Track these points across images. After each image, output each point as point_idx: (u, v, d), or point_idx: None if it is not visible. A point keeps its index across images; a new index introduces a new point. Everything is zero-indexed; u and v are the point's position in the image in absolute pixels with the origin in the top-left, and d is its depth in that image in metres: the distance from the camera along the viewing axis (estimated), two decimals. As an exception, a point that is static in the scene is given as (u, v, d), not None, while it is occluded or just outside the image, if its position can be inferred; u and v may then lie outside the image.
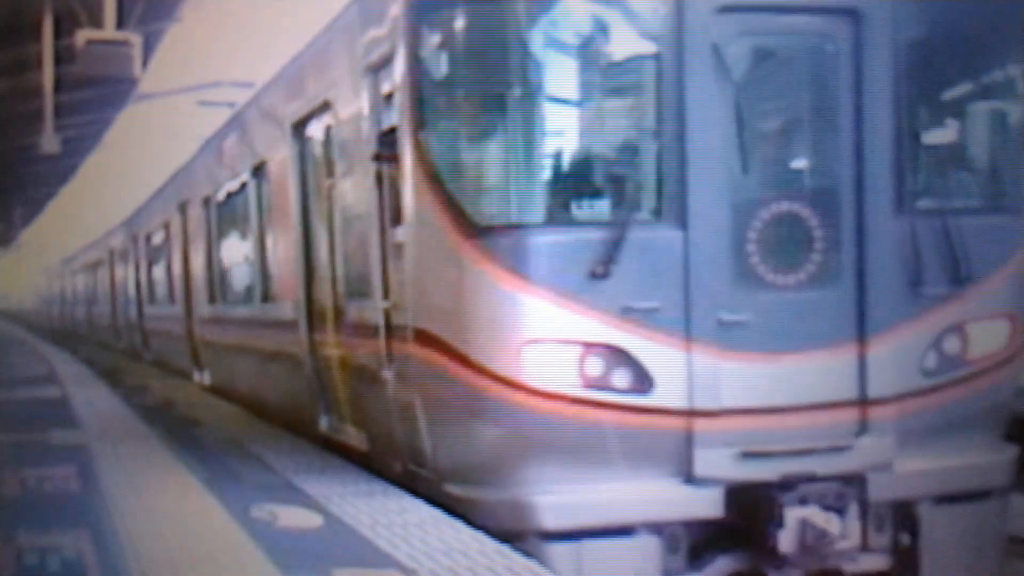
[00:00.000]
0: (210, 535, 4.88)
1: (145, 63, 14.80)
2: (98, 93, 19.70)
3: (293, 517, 5.28)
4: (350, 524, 5.14)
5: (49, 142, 14.70)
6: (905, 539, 5.41)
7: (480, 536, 4.99)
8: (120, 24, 12.66)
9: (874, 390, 5.26)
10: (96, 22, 12.26)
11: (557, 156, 5.34)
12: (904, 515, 5.40)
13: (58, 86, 14.52)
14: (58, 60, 14.03)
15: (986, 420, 5.63)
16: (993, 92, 5.91)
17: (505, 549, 4.78)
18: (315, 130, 7.56)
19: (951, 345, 5.46)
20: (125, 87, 19.33)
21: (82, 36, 11.66)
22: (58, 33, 13.74)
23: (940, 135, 5.82)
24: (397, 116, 5.62)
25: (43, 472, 6.54)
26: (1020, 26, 5.61)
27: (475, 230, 5.12)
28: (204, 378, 12.35)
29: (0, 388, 12.47)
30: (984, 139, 5.89)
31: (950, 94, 5.83)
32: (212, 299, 11.64)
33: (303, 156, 7.87)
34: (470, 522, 5.13)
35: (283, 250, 8.49)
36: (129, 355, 18.84)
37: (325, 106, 7.16)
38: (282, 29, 28.59)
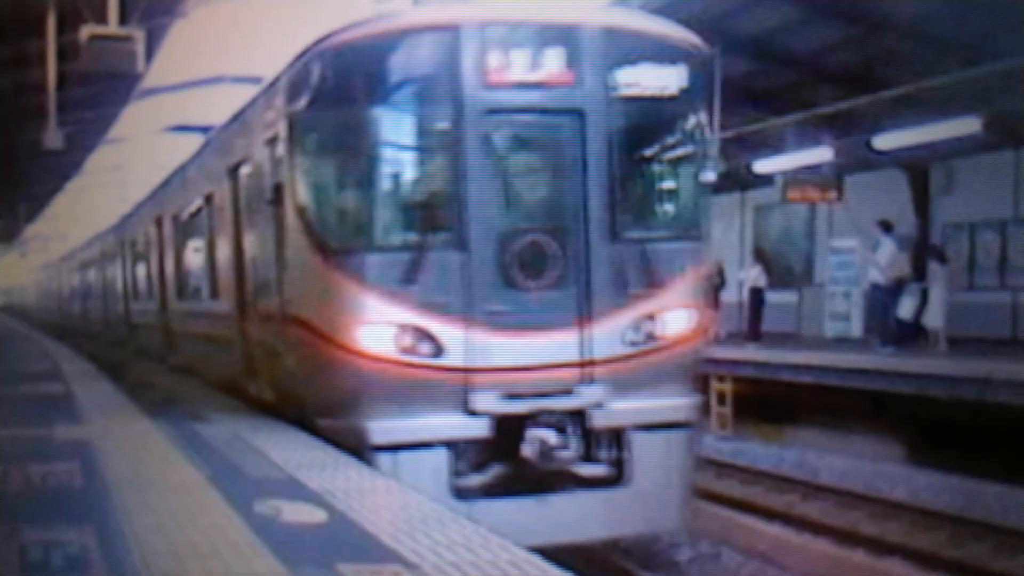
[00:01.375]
0: (214, 530, 4.88)
1: (148, 59, 14.79)
2: (102, 89, 19.72)
3: (297, 512, 5.28)
4: (354, 519, 5.14)
5: (52, 138, 14.70)
6: (617, 453, 7.96)
7: (483, 531, 5.01)
8: (123, 20, 12.66)
9: (592, 355, 7.75)
10: (99, 18, 12.25)
11: (383, 204, 8.04)
12: (616, 437, 7.95)
13: (61, 82, 14.52)
14: (61, 56, 14.03)
15: (675, 376, 8.14)
16: (674, 159, 8.66)
17: (508, 544, 4.79)
18: (242, 174, 9.99)
19: (647, 327, 7.96)
20: (128, 82, 19.35)
21: (85, 32, 11.67)
22: (61, 29, 13.74)
23: (639, 190, 8.46)
24: (281, 176, 8.27)
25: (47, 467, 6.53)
26: (691, 112, 8.36)
27: (329, 252, 7.73)
28: (174, 359, 14.81)
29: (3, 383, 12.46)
30: (669, 192, 8.70)
31: (645, 161, 8.56)
32: (179, 297, 14.43)
33: (235, 192, 10.29)
34: (330, 442, 7.47)
35: (223, 259, 11.01)
36: (117, 344, 21.20)
37: (246, 159, 9.70)
38: (284, 26, 28.52)
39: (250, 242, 9.72)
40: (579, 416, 7.75)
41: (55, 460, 6.80)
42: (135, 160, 44.59)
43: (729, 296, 22.80)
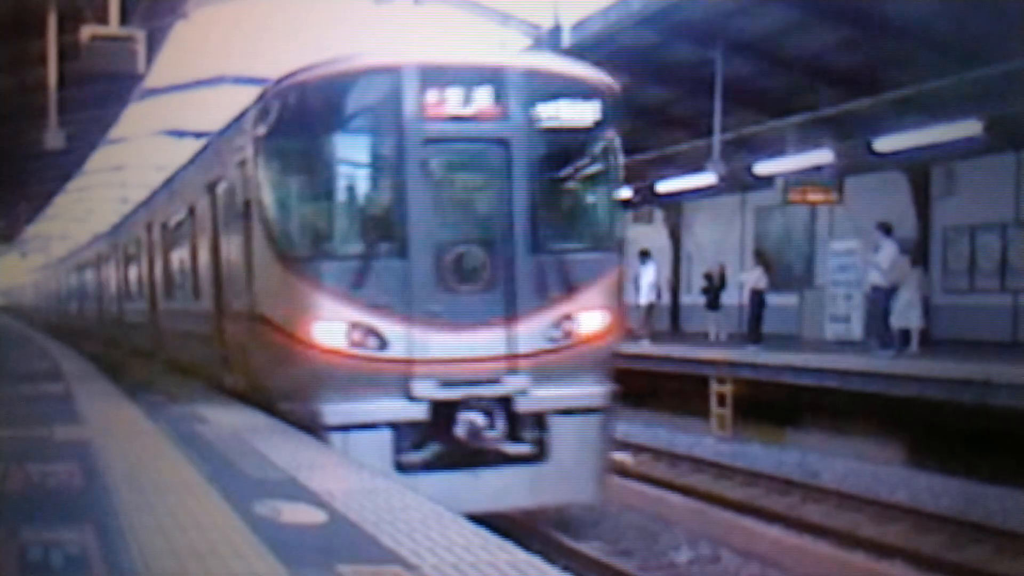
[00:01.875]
0: (214, 531, 4.88)
1: (150, 59, 14.81)
2: (103, 89, 19.73)
3: (297, 513, 5.28)
4: (354, 520, 5.15)
5: (53, 138, 14.72)
6: (539, 434, 9.04)
7: (482, 532, 5.03)
8: (124, 20, 12.67)
9: (517, 349, 8.90)
10: (101, 18, 12.26)
11: (336, 219, 9.32)
12: (538, 420, 9.02)
13: (62, 82, 14.54)
14: (62, 56, 14.04)
15: (590, 369, 9.25)
16: (588, 181, 9.79)
17: (508, 545, 4.80)
18: (219, 191, 11.15)
19: (565, 326, 9.09)
20: (129, 83, 19.36)
21: (86, 32, 11.67)
22: (63, 29, 13.75)
23: (558, 207, 9.55)
24: (250, 194, 9.47)
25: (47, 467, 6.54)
26: (604, 141, 9.47)
27: (290, 260, 8.92)
28: (163, 355, 15.86)
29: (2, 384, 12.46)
30: (585, 209, 9.93)
31: (563, 183, 9.69)
32: (167, 297, 15.56)
33: (213, 205, 11.41)
34: (289, 423, 8.50)
35: (203, 264, 12.14)
36: (112, 342, 22.19)
37: (222, 177, 10.95)
38: (285, 27, 28.52)
39: (225, 250, 10.91)
40: (505, 402, 8.92)
41: (55, 460, 6.80)
42: (136, 160, 44.65)
43: (730, 298, 22.85)
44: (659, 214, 29.43)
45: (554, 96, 9.20)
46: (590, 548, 9.90)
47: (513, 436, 8.96)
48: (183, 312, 14.02)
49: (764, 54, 18.70)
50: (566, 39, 19.17)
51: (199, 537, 4.75)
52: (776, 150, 20.44)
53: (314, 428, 8.33)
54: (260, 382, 9.75)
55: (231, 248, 10.52)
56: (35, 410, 9.71)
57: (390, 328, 8.60)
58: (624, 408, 20.04)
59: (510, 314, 8.87)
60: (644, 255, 22.72)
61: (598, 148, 9.54)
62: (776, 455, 15.50)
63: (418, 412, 8.66)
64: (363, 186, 9.48)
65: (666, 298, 27.84)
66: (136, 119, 31.62)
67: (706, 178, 20.81)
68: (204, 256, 12.08)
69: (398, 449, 8.64)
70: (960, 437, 13.62)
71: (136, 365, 15.81)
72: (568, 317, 9.10)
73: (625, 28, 18.00)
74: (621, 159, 9.75)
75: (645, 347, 20.13)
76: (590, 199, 9.96)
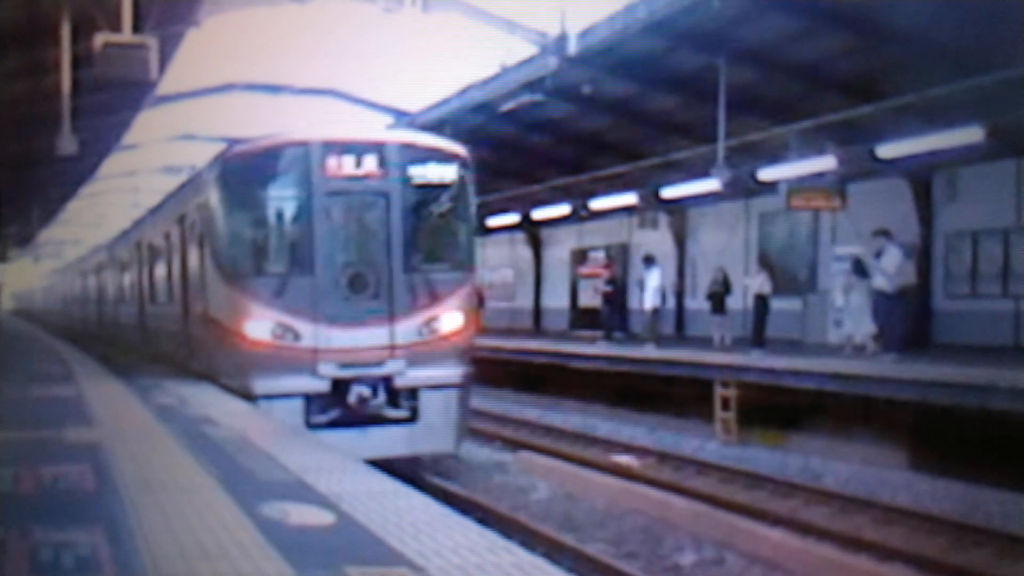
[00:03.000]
0: (223, 532, 4.93)
1: (162, 66, 14.91)
2: (115, 96, 19.83)
3: (305, 515, 5.34)
4: (361, 522, 5.20)
5: (66, 144, 14.82)
6: (413, 403, 12.21)
7: (488, 534, 5.07)
8: (137, 28, 12.77)
9: (395, 342, 11.98)
10: (114, 26, 12.36)
11: (264, 248, 12.31)
12: (412, 393, 12.15)
13: (76, 89, 14.65)
14: (76, 63, 14.15)
15: (450, 356, 12.37)
16: (447, 221, 12.83)
17: (512, 546, 4.86)
18: (185, 223, 14.49)
19: (431, 325, 12.20)
20: (142, 90, 19.46)
21: (99, 39, 11.78)
22: (76, 36, 13.85)
23: (425, 240, 12.54)
24: (203, 228, 12.89)
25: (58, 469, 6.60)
26: (458, 193, 12.64)
27: (231, 277, 12.05)
28: (149, 348, 18.79)
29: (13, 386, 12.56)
30: (445, 241, 12.88)
31: (428, 222, 12.71)
32: (151, 301, 18.71)
33: (182, 233, 14.77)
34: (231, 393, 11.55)
35: (175, 277, 15.56)
36: (108, 340, 25.16)
37: (187, 214, 14.32)
38: (296, 35, 28.63)
39: (189, 267, 14.27)
40: (387, 379, 12.08)
41: (66, 462, 6.87)
42: (148, 166, 44.73)
43: (734, 303, 22.87)
44: (664, 219, 29.45)
45: (420, 161, 12.52)
46: (595, 550, 9.97)
47: (393, 404, 12.21)
48: (162, 314, 17.19)
49: (767, 61, 18.75)
50: (572, 46, 19.26)
51: (208, 538, 4.80)
52: (779, 156, 20.48)
53: (249, 397, 11.44)
54: (213, 365, 13.02)
55: (193, 266, 13.95)
56: (47, 412, 9.81)
57: (302, 326, 11.73)
58: (630, 411, 20.21)
59: (390, 316, 12.09)
60: (648, 260, 22.75)
61: (453, 198, 12.76)
62: (780, 458, 15.55)
63: (322, 386, 11.81)
64: (283, 225, 12.52)
65: (671, 303, 27.87)
66: (148, 125, 31.75)
67: (710, 184, 20.85)
68: (175, 272, 15.49)
69: (308, 412, 11.77)
70: (963, 441, 13.66)
71: (127, 356, 18.92)
72: (433, 319, 12.34)
73: (631, 35, 18.07)
74: (473, 204, 13.14)
75: (650, 352, 20.17)
76: (448, 234, 13.03)
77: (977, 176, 20.36)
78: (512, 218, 34.26)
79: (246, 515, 5.28)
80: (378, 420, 12.00)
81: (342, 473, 6.66)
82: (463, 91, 25.36)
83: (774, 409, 16.91)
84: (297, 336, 11.67)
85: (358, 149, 12.17)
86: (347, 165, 12.06)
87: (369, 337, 11.93)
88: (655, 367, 19.24)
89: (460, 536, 4.98)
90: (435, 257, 12.64)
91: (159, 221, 17.91)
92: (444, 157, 12.73)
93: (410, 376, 12.10)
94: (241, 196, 12.18)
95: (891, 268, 16.49)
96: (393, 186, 12.19)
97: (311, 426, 11.49)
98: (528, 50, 21.18)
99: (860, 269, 18.61)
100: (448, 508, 5.74)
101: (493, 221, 35.36)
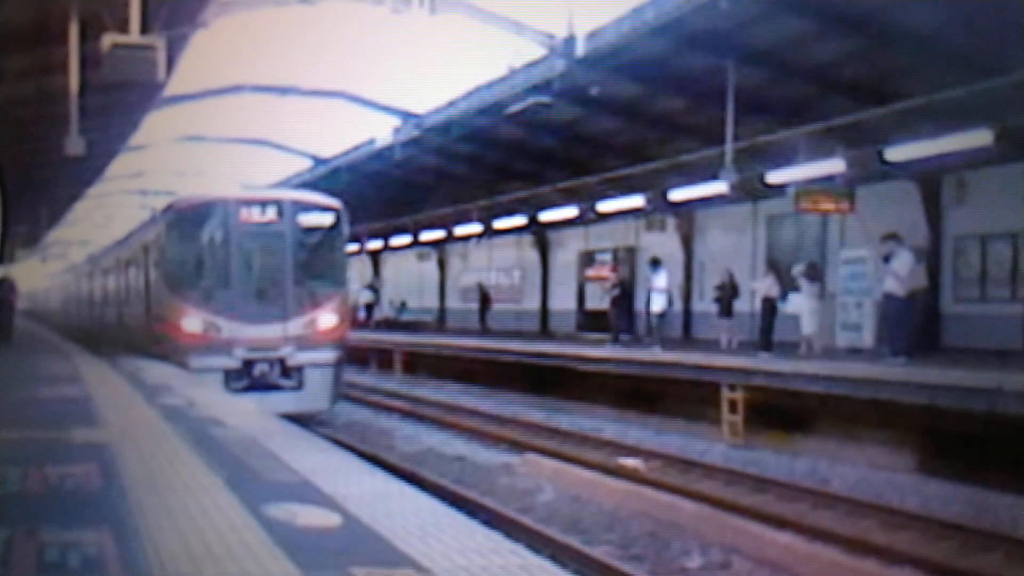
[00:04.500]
0: (230, 533, 4.94)
1: (169, 67, 14.95)
2: (123, 97, 19.89)
3: (311, 516, 5.33)
4: (367, 524, 5.19)
5: (74, 144, 14.87)
6: (299, 376, 17.01)
7: (494, 536, 5.06)
8: (145, 29, 12.81)
9: (287, 334, 16.87)
10: (121, 27, 12.40)
11: (196, 270, 17.27)
12: (299, 369, 16.90)
13: (83, 89, 14.70)
14: (83, 64, 14.20)
15: (326, 344, 17.25)
16: (326, 252, 18.11)
17: (519, 548, 4.85)
18: (148, 251, 19.22)
19: (314, 323, 17.08)
20: (149, 91, 19.52)
21: (107, 40, 11.81)
22: (84, 37, 13.90)
23: (311, 264, 17.53)
24: (156, 256, 18.08)
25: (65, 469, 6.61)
26: (335, 233, 17.92)
27: (173, 289, 17.23)
28: (125, 339, 22.62)
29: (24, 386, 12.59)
30: (325, 266, 17.85)
31: (313, 252, 17.71)
32: (125, 304, 23.67)
33: (144, 258, 19.71)
34: (176, 366, 15.95)
35: (140, 287, 20.43)
36: (97, 335, 28.98)
37: (147, 244, 19.31)
38: (303, 36, 28.66)
39: (150, 281, 19.10)
40: (281, 360, 16.99)
41: (73, 462, 6.88)
42: (155, 167, 44.81)
43: (741, 306, 22.85)
44: (671, 222, 29.44)
45: (305, 211, 17.88)
46: (602, 553, 9.95)
47: (285, 376, 17.04)
48: (132, 314, 22.01)
49: (776, 63, 18.74)
50: (580, 48, 19.27)
51: (215, 539, 4.80)
52: (788, 159, 20.46)
53: (188, 371, 15.69)
54: (163, 350, 17.42)
55: (152, 281, 18.81)
56: (54, 412, 9.83)
57: (222, 323, 16.76)
58: (636, 413, 20.18)
59: (283, 317, 17.10)
60: (655, 263, 22.73)
61: (329, 236, 18.08)
62: (787, 462, 15.52)
63: (236, 364, 16.73)
64: (209, 254, 17.43)
65: (678, 305, 27.85)
66: (156, 126, 31.88)
67: (718, 186, 20.84)
68: (140, 284, 20.58)
69: (227, 382, 16.42)
70: (972, 444, 13.62)
71: (110, 346, 23.08)
72: (314, 319, 17.31)
73: (639, 37, 18.07)
74: (345, 241, 18.60)
75: (657, 354, 20.15)
76: (325, 261, 18.05)
77: (986, 179, 20.33)
78: (519, 220, 34.27)
79: (252, 516, 5.29)
80: (275, 387, 16.89)
81: (348, 474, 6.66)
82: (471, 93, 25.39)
83: (781, 412, 16.89)
84: (219, 330, 16.77)
85: (262, 204, 17.46)
86: (255, 215, 17.18)
87: (269, 331, 16.96)
88: (662, 370, 19.23)
89: (466, 538, 4.97)
90: (315, 276, 17.63)
91: (131, 246, 23.84)
92: (323, 208, 18.09)
93: (297, 358, 17.14)
94: (181, 234, 17.47)
95: (902, 272, 16.46)
96: (286, 228, 17.29)
97: (229, 391, 15.95)
98: (536, 52, 21.20)
99: (812, 274, 20.34)
100: (454, 510, 5.74)
101: (500, 223, 35.37)
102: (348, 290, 19.65)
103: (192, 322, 16.64)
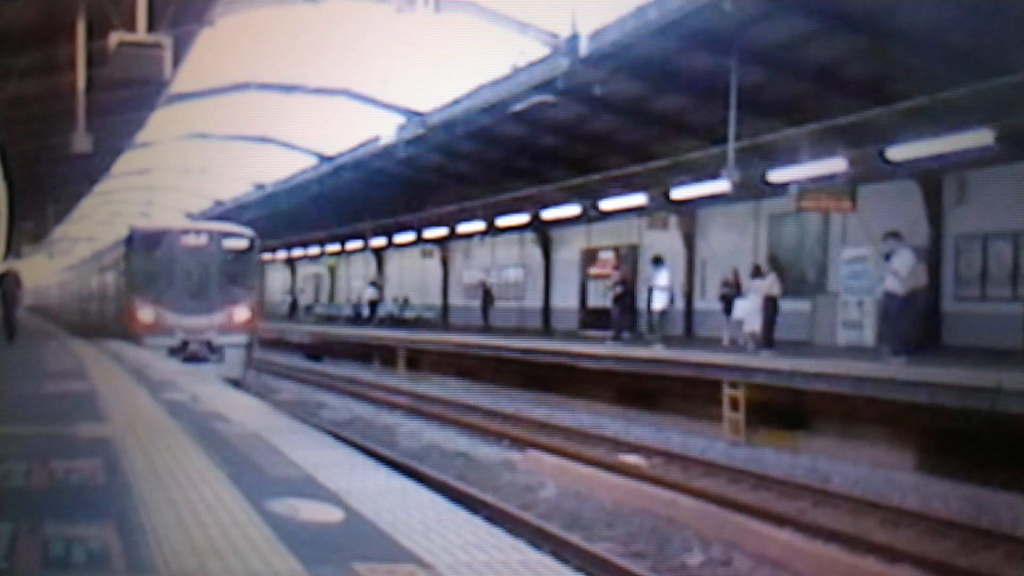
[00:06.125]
0: (233, 527, 4.96)
1: (176, 65, 15.00)
2: (130, 94, 19.95)
3: (314, 511, 5.35)
4: (370, 519, 5.21)
5: (81, 141, 14.92)
6: (221, 353, 23.00)
7: (496, 531, 5.10)
8: (152, 27, 12.84)
9: (213, 323, 23.09)
10: (128, 25, 12.43)
11: (149, 280, 23.46)
12: (221, 348, 23.02)
13: (90, 87, 14.74)
14: (91, 62, 14.24)
15: (239, 331, 23.65)
16: (240, 267, 24.36)
17: (521, 544, 4.89)
18: (118, 265, 25.60)
19: (231, 315, 23.39)
20: (156, 88, 19.59)
21: (114, 38, 11.85)
22: (91, 35, 13.94)
23: (230, 275, 23.98)
24: (121, 269, 24.91)
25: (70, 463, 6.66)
26: (248, 255, 24.51)
27: (134, 292, 23.55)
28: (103, 327, 27.65)
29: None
30: (238, 276, 24.14)
31: (231, 267, 23.90)
32: (102, 300, 29.63)
33: (116, 269, 26.05)
34: (136, 346, 21.86)
35: (114, 290, 26.68)
36: (83, 325, 33.52)
37: (116, 260, 26.18)
38: (310, 34, 28.71)
39: (120, 286, 24.95)
40: (209, 342, 22.67)
41: (78, 457, 6.92)
42: (162, 164, 44.85)
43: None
44: (674, 220, 29.47)
45: (227, 238, 23.96)
46: (602, 549, 9.99)
47: (211, 351, 22.62)
48: (111, 309, 27.01)
49: (778, 63, 18.77)
50: (583, 47, 19.31)
51: (218, 534, 4.82)
52: (790, 158, 20.49)
53: (143, 347, 21.10)
54: (127, 333, 22.96)
55: (119, 286, 25.19)
56: (60, 407, 9.88)
57: (167, 315, 22.66)
58: (638, 411, 20.22)
59: (211, 311, 22.91)
60: (657, 261, 22.75)
61: (244, 256, 24.14)
62: (788, 459, 15.56)
63: (176, 343, 22.37)
64: (158, 269, 23.25)
65: (680, 303, 27.88)
66: (162, 124, 31.95)
67: (720, 185, 20.87)
68: (113, 287, 26.69)
69: (170, 355, 21.07)
70: (973, 443, 13.65)
71: (92, 332, 28.32)
72: (231, 313, 23.19)
73: (642, 36, 18.10)
74: (257, 258, 25.47)
75: (659, 352, 20.20)
76: (241, 273, 23.99)
77: (987, 179, 20.35)
78: (522, 218, 34.28)
79: (255, 511, 5.31)
80: (203, 359, 22.32)
81: (351, 470, 6.68)
82: (474, 91, 25.42)
83: (783, 410, 16.92)
84: (165, 319, 22.81)
85: (197, 232, 24.40)
86: (192, 240, 23.68)
87: (200, 321, 22.89)
88: (664, 367, 19.26)
89: (468, 533, 4.99)
90: (233, 284, 23.64)
91: (106, 258, 30.43)
92: (239, 236, 24.39)
93: (219, 340, 22.99)
94: (139, 253, 23.77)
95: (903, 270, 16.48)
96: (214, 251, 23.59)
97: (172, 359, 20.50)
98: (540, 51, 21.24)
99: (757, 274, 21.30)
100: (456, 506, 5.77)
101: (503, 221, 35.39)
102: (257, 294, 26.51)
103: (147, 314, 23.04)
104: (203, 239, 23.77)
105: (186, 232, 24.33)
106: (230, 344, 23.11)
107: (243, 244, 24.22)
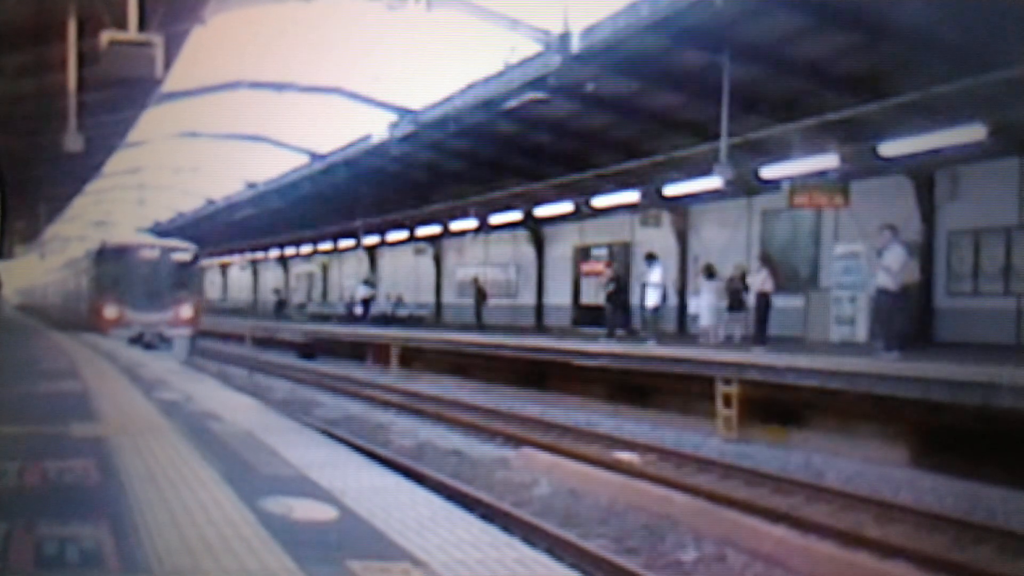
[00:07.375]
0: (227, 526, 4.97)
1: (168, 64, 14.96)
2: (121, 93, 19.90)
3: (308, 510, 5.37)
4: (364, 517, 5.23)
5: (72, 141, 14.88)
6: (171, 342, 29.39)
7: (490, 529, 5.11)
8: (143, 26, 12.81)
9: (165, 318, 30.68)
10: (120, 24, 12.39)
11: (113, 283, 30.89)
12: (169, 339, 29.49)
13: (82, 86, 14.70)
14: (82, 60, 14.20)
15: (185, 325, 30.87)
16: (185, 273, 31.99)
17: (515, 542, 4.90)
18: (92, 270, 32.76)
19: (178, 312, 30.60)
20: (148, 87, 19.54)
21: (105, 37, 11.81)
22: (82, 34, 13.90)
23: (177, 280, 31.96)
24: (92, 274, 32.58)
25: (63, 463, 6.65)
26: (192, 265, 32.84)
27: (102, 292, 30.95)
28: (78, 322, 32.87)
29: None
30: (183, 281, 32.09)
31: (178, 273, 31.61)
32: (76, 299, 36.15)
33: (89, 274, 33.17)
34: (102, 334, 28.78)
35: (86, 290, 33.56)
36: (63, 320, 38.69)
37: (89, 266, 33.52)
38: (301, 32, 28.65)
39: (90, 287, 32.27)
40: (160, 332, 29.25)
41: (71, 456, 6.90)
42: (153, 163, 44.76)
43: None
44: (666, 217, 29.49)
45: (175, 252, 31.52)
46: (596, 546, 10.00)
47: (162, 341, 28.44)
48: (86, 307, 32.30)
49: (770, 59, 18.79)
50: (575, 44, 19.31)
51: (212, 532, 4.83)
52: (782, 154, 20.51)
53: (108, 337, 26.00)
54: (95, 326, 28.70)
55: (90, 287, 31.80)
56: (52, 407, 9.86)
57: (127, 311, 29.39)
58: (632, 408, 20.25)
59: (161, 309, 29.59)
60: (650, 258, 22.77)
61: (189, 266, 31.79)
62: (781, 456, 15.59)
63: (135, 334, 28.00)
64: (120, 274, 30.27)
65: (673, 300, 27.92)
66: (154, 122, 31.90)
67: (713, 182, 20.89)
68: (85, 287, 33.16)
69: (131, 343, 25.08)
70: (966, 438, 13.68)
71: (68, 326, 33.75)
72: (178, 311, 29.93)
73: (633, 33, 18.11)
74: (199, 268, 34.53)
75: (652, 349, 20.21)
76: (186, 280, 31.08)
77: (979, 174, 20.41)
78: (515, 215, 34.28)
79: (249, 510, 5.32)
80: (156, 347, 26.94)
81: (345, 468, 6.69)
82: (466, 88, 25.41)
83: (776, 406, 16.95)
84: (125, 314, 28.60)
85: (151, 247, 31.26)
86: (147, 253, 30.62)
87: (153, 317, 28.74)
88: (657, 364, 19.28)
89: (463, 531, 5.00)
90: (179, 288, 30.27)
91: (79, 265, 36.82)
92: (185, 251, 31.40)
93: (168, 332, 28.74)
94: (105, 263, 30.51)
95: (895, 266, 16.51)
96: (164, 262, 30.31)
97: (131, 345, 24.59)
98: (531, 48, 21.23)
99: (710, 273, 22.80)
100: (450, 503, 5.78)
101: (496, 218, 35.38)
102: (199, 297, 34.02)
103: (111, 311, 29.47)
104: (156, 252, 31.50)
105: (143, 247, 32.18)
106: (177, 335, 30.12)
107: (187, 257, 32.00)
